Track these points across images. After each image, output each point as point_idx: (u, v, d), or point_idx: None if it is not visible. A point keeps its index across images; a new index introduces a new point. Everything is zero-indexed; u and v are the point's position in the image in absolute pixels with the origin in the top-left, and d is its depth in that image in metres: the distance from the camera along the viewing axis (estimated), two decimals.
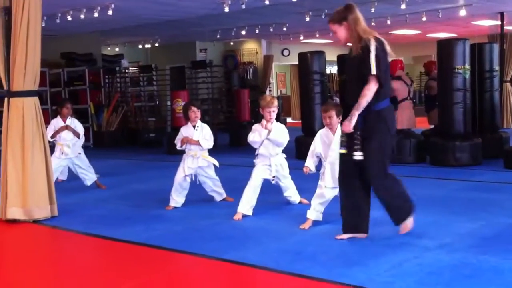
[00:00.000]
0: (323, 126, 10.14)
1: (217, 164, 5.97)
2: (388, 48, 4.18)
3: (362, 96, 4.10)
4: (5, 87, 5.60)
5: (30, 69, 5.50)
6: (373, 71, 4.05)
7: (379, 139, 4.23)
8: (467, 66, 8.29)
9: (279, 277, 3.70)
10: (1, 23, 5.55)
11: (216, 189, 6.07)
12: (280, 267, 3.81)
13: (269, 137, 5.36)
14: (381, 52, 4.09)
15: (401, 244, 4.24)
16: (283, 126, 5.60)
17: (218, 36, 15.75)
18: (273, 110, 5.35)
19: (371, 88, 4.08)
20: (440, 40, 8.95)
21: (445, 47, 8.42)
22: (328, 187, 4.83)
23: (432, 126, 10.20)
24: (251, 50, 18.80)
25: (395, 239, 4.41)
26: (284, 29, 14.53)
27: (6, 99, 5.59)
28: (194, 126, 5.97)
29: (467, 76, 8.31)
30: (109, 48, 17.53)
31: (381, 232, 4.63)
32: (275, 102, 5.43)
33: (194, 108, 5.97)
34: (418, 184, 6.99)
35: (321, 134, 5.05)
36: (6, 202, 5.44)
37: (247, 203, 5.32)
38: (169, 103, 13.48)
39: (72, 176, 7.79)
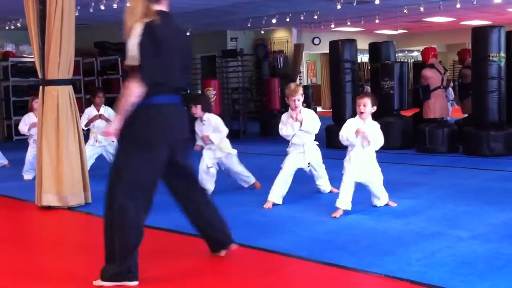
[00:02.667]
0: (354, 115, 10.10)
1: (234, 152, 6.00)
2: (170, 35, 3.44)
3: (121, 95, 3.36)
4: (40, 76, 5.71)
5: (64, 58, 5.59)
6: (129, 61, 3.34)
7: (124, 150, 3.40)
8: (502, 54, 8.12)
9: (309, 265, 3.71)
10: (35, 12, 5.64)
11: (241, 177, 6.10)
12: (311, 256, 3.81)
13: (302, 128, 5.33)
14: (147, 39, 3.31)
15: (434, 234, 4.20)
16: (312, 112, 5.59)
17: (248, 25, 15.71)
18: (298, 99, 5.30)
19: (129, 86, 3.28)
20: (474, 27, 8.77)
21: (480, 35, 8.25)
22: (349, 176, 4.77)
23: (466, 115, 10.02)
24: (282, 38, 18.71)
25: (427, 228, 4.37)
26: (315, 17, 14.41)
27: (41, 87, 5.70)
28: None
29: (502, 64, 8.14)
30: None
31: (413, 221, 4.60)
32: (300, 90, 5.39)
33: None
34: (451, 174, 6.91)
35: (351, 122, 5.00)
36: (41, 189, 5.55)
37: (277, 192, 5.32)
38: (200, 91, 13.54)
39: (108, 165, 7.86)
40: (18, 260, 4.10)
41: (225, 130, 5.91)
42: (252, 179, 6.13)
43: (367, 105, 4.83)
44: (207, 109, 5.97)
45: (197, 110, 5.90)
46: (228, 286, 3.42)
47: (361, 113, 4.88)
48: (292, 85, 5.51)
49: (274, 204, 5.30)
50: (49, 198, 5.53)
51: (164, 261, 3.89)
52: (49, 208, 5.55)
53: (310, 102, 19.50)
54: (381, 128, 9.29)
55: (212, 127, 5.88)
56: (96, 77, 14.62)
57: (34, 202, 5.70)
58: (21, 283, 3.59)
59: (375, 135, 4.88)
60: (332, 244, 4.08)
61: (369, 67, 15.28)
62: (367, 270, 3.48)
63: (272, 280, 3.49)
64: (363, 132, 4.73)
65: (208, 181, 5.87)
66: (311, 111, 5.57)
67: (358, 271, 3.50)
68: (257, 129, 13.00)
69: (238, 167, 6.06)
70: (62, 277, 3.67)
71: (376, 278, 3.38)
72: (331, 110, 10.26)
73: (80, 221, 5.35)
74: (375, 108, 4.87)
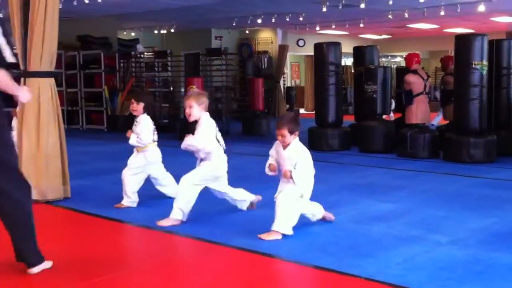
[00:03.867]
0: (337, 117, 10.08)
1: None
2: None
3: None
4: (22, 67, 5.62)
5: (47, 50, 5.51)
6: None
7: None
8: (485, 62, 8.20)
9: (289, 265, 3.72)
10: (19, 3, 5.55)
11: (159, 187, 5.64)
12: (291, 256, 3.81)
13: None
14: None
15: (413, 238, 4.22)
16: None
17: (234, 24, 15.71)
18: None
19: None
20: (458, 35, 8.86)
21: (463, 42, 8.33)
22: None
23: (447, 122, 10.12)
24: (267, 39, 18.73)
25: (407, 232, 4.39)
26: (301, 18, 14.45)
27: (22, 79, 5.60)
28: None
29: (484, 72, 8.22)
30: (125, 33, 17.54)
31: (393, 225, 4.62)
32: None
33: None
34: (431, 179, 6.96)
35: (272, 150, 4.55)
36: None
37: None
38: (183, 89, 13.48)
39: (92, 159, 7.82)
40: None
41: (144, 136, 5.26)
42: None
43: (285, 136, 4.26)
44: (147, 109, 5.43)
45: (138, 107, 5.37)
46: (207, 283, 3.40)
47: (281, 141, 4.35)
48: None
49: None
50: None
51: (137, 255, 3.84)
52: None
53: (293, 103, 19.57)
54: (364, 131, 9.47)
55: (140, 130, 5.31)
56: (78, 71, 14.47)
57: None
58: None
59: (301, 176, 4.25)
60: (312, 245, 4.08)
61: (352, 71, 15.36)
62: (347, 272, 3.48)
63: (252, 279, 3.47)
64: (287, 174, 4.24)
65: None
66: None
67: (337, 273, 3.49)
68: (239, 129, 12.98)
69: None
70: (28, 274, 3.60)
71: (355, 280, 3.38)
72: (314, 112, 10.27)
73: (55, 215, 5.27)
74: (297, 133, 4.31)
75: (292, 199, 4.24)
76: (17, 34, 5.59)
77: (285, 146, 4.34)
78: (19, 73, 5.63)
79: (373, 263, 3.64)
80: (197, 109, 4.70)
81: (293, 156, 4.30)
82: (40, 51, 5.48)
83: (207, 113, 4.79)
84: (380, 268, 3.54)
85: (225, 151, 4.85)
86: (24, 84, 5.54)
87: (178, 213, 4.62)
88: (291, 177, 4.22)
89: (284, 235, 4.19)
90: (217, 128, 4.81)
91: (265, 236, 4.17)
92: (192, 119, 4.72)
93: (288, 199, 4.22)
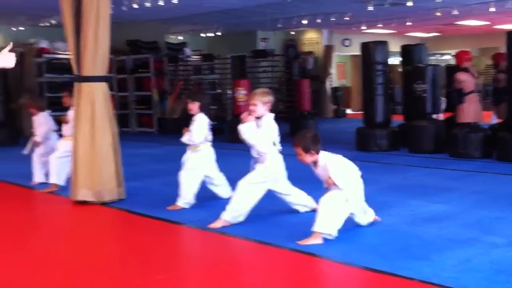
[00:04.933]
0: (385, 118, 9.96)
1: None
2: None
3: None
4: (76, 72, 5.80)
5: (99, 55, 5.68)
6: None
7: None
8: None
9: (337, 266, 3.71)
10: (71, 10, 5.72)
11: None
12: (339, 257, 3.80)
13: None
14: None
15: (467, 240, 4.14)
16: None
17: (279, 25, 15.73)
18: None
19: None
20: (509, 31, 8.61)
21: None
22: None
23: (500, 120, 9.86)
24: (312, 39, 18.68)
25: (461, 234, 4.31)
26: (346, 18, 14.35)
27: (76, 84, 5.79)
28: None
29: None
30: (172, 37, 17.82)
31: (446, 226, 4.55)
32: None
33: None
34: (484, 179, 6.81)
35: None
36: (76, 184, 5.65)
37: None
38: (230, 91, 13.59)
39: (143, 161, 7.96)
40: (50, 253, 4.19)
41: (196, 134, 5.35)
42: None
43: (301, 155, 4.29)
44: (203, 108, 5.49)
45: (193, 106, 5.46)
46: (258, 283, 3.44)
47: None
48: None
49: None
50: (84, 193, 5.62)
51: (193, 257, 3.91)
52: (84, 203, 5.63)
53: (339, 104, 19.43)
54: (414, 131, 9.30)
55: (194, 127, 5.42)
56: (129, 75, 14.79)
57: (70, 197, 5.79)
58: (56, 274, 3.67)
59: (343, 180, 4.26)
60: (363, 247, 4.06)
61: (400, 70, 15.13)
62: (400, 274, 3.45)
63: (302, 281, 3.49)
64: (329, 181, 4.24)
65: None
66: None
67: (390, 275, 3.46)
68: (286, 130, 12.99)
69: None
70: (90, 272, 3.72)
71: (409, 282, 3.35)
72: (360, 112, 10.18)
73: (112, 217, 5.42)
74: (313, 153, 4.28)
75: (335, 200, 4.18)
76: (71, 42, 5.77)
77: (315, 165, 4.32)
78: (74, 78, 5.84)
79: (427, 266, 3.59)
80: (261, 108, 4.68)
81: (324, 174, 4.28)
82: (93, 57, 5.65)
83: (272, 115, 4.76)
84: (435, 271, 3.49)
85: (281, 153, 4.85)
86: (79, 89, 5.72)
87: (228, 216, 4.67)
88: (335, 184, 4.19)
89: (326, 239, 4.12)
90: (278, 132, 4.78)
91: (303, 242, 4.10)
92: (255, 115, 4.68)
93: (331, 200, 4.17)
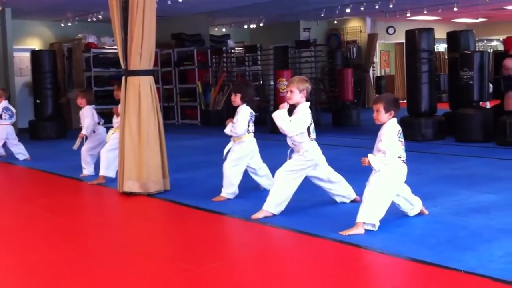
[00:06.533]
0: (431, 107, 9.81)
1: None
2: None
3: None
4: (123, 66, 5.94)
5: (146, 49, 5.78)
6: None
7: None
8: None
9: (384, 258, 3.69)
10: (118, 5, 5.85)
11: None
12: (385, 249, 3.78)
13: None
14: None
15: None
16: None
17: (322, 15, 15.61)
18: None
19: None
20: None
21: None
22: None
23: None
24: (355, 28, 18.46)
25: (509, 224, 4.23)
26: (390, 6, 14.10)
27: (123, 77, 5.92)
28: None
29: None
30: (216, 29, 17.92)
31: (494, 217, 4.47)
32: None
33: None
34: None
35: None
36: (123, 176, 5.79)
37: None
38: (272, 82, 13.60)
39: (187, 153, 8.05)
40: (102, 244, 4.32)
41: (238, 125, 5.41)
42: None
43: (380, 112, 4.25)
44: (246, 99, 5.51)
45: (236, 98, 5.50)
46: (305, 274, 3.47)
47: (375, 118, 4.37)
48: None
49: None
50: (130, 185, 5.76)
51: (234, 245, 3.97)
52: (130, 194, 5.77)
53: (383, 93, 19.17)
54: (460, 120, 9.09)
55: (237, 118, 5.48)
56: (173, 68, 15.00)
57: (117, 189, 5.95)
58: (108, 262, 3.79)
59: (379, 160, 4.20)
60: (408, 238, 4.03)
61: (446, 57, 14.81)
62: (446, 265, 3.41)
63: (346, 271, 3.50)
64: (365, 161, 4.17)
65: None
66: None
67: (436, 266, 3.43)
68: (329, 120, 12.94)
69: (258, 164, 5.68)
70: (143, 262, 3.83)
71: (455, 273, 3.31)
72: (405, 101, 10.04)
73: (158, 207, 5.54)
74: (392, 113, 4.26)
75: (380, 190, 4.16)
76: (118, 36, 5.90)
77: (377, 128, 4.30)
78: (121, 71, 5.98)
79: (474, 257, 3.54)
80: (297, 95, 4.72)
81: (380, 135, 4.26)
82: (139, 51, 5.76)
83: (307, 103, 4.78)
84: (482, 262, 3.44)
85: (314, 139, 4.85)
86: (126, 82, 5.85)
87: (270, 206, 4.71)
88: (369, 163, 4.16)
89: (368, 230, 4.11)
90: (312, 120, 4.82)
91: (346, 232, 4.10)
92: (291, 102, 4.74)
93: (376, 190, 4.15)
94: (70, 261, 3.86)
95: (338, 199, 5.09)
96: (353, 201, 5.05)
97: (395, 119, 4.30)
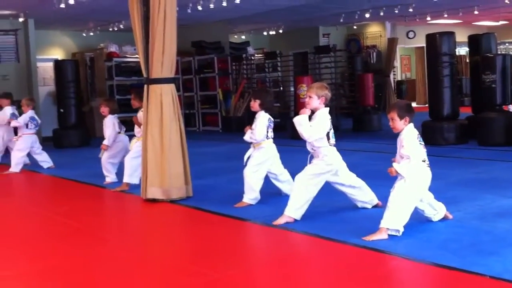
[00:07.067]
0: (453, 111, 9.74)
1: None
2: None
3: None
4: (145, 75, 6.01)
5: (167, 58, 5.85)
6: None
7: None
8: None
9: (408, 263, 3.67)
10: (140, 14, 5.93)
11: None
12: (409, 254, 3.76)
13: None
14: None
15: None
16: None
17: (341, 20, 15.61)
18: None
19: None
20: None
21: None
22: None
23: None
24: (375, 33, 18.41)
25: None
26: (410, 10, 14.06)
27: (145, 86, 5.99)
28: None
29: None
30: (235, 36, 18.02)
31: None
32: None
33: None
34: None
35: None
36: (146, 183, 5.85)
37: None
38: (292, 88, 13.62)
39: (209, 159, 8.08)
40: (125, 249, 4.37)
41: (257, 132, 5.45)
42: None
43: (395, 120, 4.26)
44: (265, 105, 5.55)
45: (255, 104, 5.56)
46: (327, 280, 3.47)
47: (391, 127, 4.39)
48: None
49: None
50: (153, 191, 5.81)
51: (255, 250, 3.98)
52: (153, 200, 5.83)
53: (404, 97, 19.05)
54: (483, 123, 9.01)
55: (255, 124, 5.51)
56: (194, 76, 15.11)
57: (140, 195, 6.01)
58: (132, 268, 3.84)
59: (405, 167, 4.20)
60: (432, 243, 4.01)
61: (467, 60, 14.68)
62: (471, 270, 3.39)
63: (369, 276, 3.49)
64: (392, 171, 4.19)
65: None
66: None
67: (460, 271, 3.40)
68: (349, 125, 12.90)
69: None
70: (164, 267, 3.86)
71: (480, 278, 3.28)
72: (426, 105, 9.98)
73: (181, 214, 5.58)
74: (407, 120, 4.24)
75: (405, 196, 4.14)
76: (140, 45, 5.98)
77: (396, 134, 4.30)
78: (143, 80, 6.05)
79: (499, 261, 3.51)
80: (316, 101, 4.75)
81: (400, 141, 4.26)
82: (161, 58, 5.83)
83: (327, 108, 4.80)
84: (507, 267, 3.41)
85: (337, 148, 4.86)
86: (148, 90, 5.92)
87: (291, 211, 4.72)
88: (397, 173, 4.15)
89: (391, 236, 4.09)
90: (331, 126, 4.84)
91: (369, 238, 4.09)
92: (309, 107, 4.77)
93: (400, 195, 4.13)
94: (93, 267, 3.91)
95: (360, 205, 5.08)
96: (375, 206, 5.03)
97: (411, 124, 4.29)
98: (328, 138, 4.77)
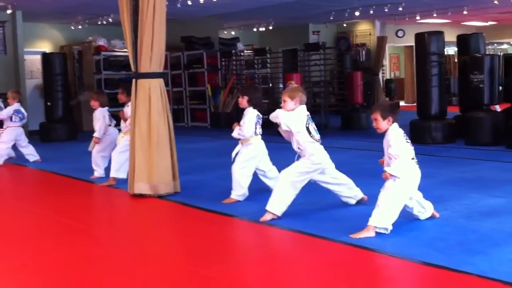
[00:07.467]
0: (440, 110, 9.77)
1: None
2: None
3: None
4: (133, 69, 5.97)
5: (156, 52, 5.81)
6: None
7: None
8: None
9: (395, 261, 3.68)
10: (129, 8, 5.88)
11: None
12: (397, 252, 3.77)
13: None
14: None
15: None
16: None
17: (331, 18, 15.61)
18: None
19: None
20: None
21: None
22: None
23: None
24: (364, 31, 18.44)
25: None
26: (400, 8, 14.10)
27: (134, 80, 5.95)
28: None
29: None
30: (225, 32, 17.97)
31: (505, 220, 4.45)
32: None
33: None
34: None
35: None
36: (134, 178, 5.82)
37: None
38: (281, 85, 13.61)
39: (197, 155, 8.05)
40: (115, 246, 4.34)
41: (245, 128, 5.43)
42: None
43: (378, 120, 4.26)
44: (253, 102, 5.54)
45: (243, 101, 5.56)
46: (314, 277, 3.47)
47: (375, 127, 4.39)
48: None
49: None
50: (141, 187, 5.78)
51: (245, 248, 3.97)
52: (141, 196, 5.80)
53: (393, 96, 19.13)
54: (471, 123, 9.05)
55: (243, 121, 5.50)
56: (183, 71, 15.05)
57: (127, 190, 5.97)
58: (118, 264, 3.81)
59: (397, 168, 4.19)
60: (419, 241, 4.02)
61: (456, 60, 14.75)
62: (457, 269, 3.40)
63: (356, 274, 3.49)
64: (386, 176, 4.18)
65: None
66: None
67: (447, 269, 3.42)
68: (338, 123, 12.93)
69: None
70: (153, 264, 3.84)
71: (467, 277, 3.30)
72: (414, 104, 10.03)
73: (168, 209, 5.56)
74: (391, 120, 4.25)
75: (394, 195, 4.15)
76: (128, 39, 5.94)
77: (383, 134, 4.32)
78: (132, 74, 6.01)
79: (485, 260, 3.53)
80: (290, 103, 4.80)
81: (386, 142, 4.27)
82: (149, 54, 5.79)
83: (303, 106, 4.84)
84: (493, 266, 3.43)
85: (320, 143, 4.86)
86: (136, 85, 5.89)
87: (274, 207, 4.72)
88: (392, 176, 4.16)
89: (379, 234, 4.10)
90: (311, 121, 4.84)
91: (356, 235, 4.10)
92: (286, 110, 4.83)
93: (390, 194, 4.15)
94: (79, 263, 3.88)
95: (349, 201, 5.10)
96: (359, 201, 5.07)
97: (396, 124, 4.29)
98: (310, 133, 4.78)
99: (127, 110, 6.48)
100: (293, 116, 4.78)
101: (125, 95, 6.62)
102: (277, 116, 4.84)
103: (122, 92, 6.75)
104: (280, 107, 4.93)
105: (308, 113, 4.86)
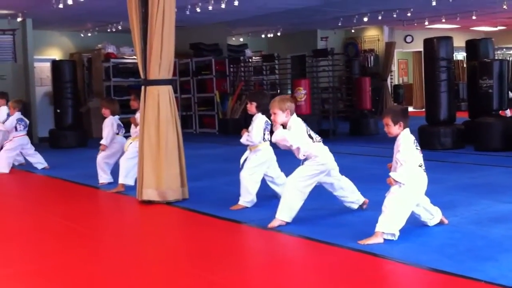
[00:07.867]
0: (449, 115, 9.75)
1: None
2: None
3: None
4: (142, 76, 6.00)
5: (165, 59, 5.84)
6: None
7: None
8: None
9: (403, 267, 3.66)
10: (138, 15, 5.92)
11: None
12: (405, 258, 3.75)
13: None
14: None
15: None
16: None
17: (339, 24, 15.63)
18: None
19: None
20: None
21: None
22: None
23: None
24: (373, 37, 18.44)
25: None
26: (408, 14, 14.09)
27: (143, 87, 5.98)
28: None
29: None
30: (233, 38, 18.03)
31: None
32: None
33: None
34: None
35: None
36: (142, 184, 5.83)
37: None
38: (290, 91, 13.62)
39: (205, 161, 8.05)
40: (123, 251, 4.36)
41: (253, 134, 5.45)
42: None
43: (389, 126, 4.27)
44: (262, 108, 5.50)
45: (251, 107, 5.56)
46: (323, 284, 3.46)
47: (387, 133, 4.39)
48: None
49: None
50: (149, 193, 5.80)
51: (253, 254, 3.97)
52: (149, 202, 5.81)
53: (401, 101, 19.10)
54: (480, 128, 9.02)
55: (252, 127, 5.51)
56: (191, 78, 15.10)
57: (136, 197, 5.99)
58: (126, 270, 3.82)
59: (402, 175, 4.19)
60: (428, 247, 4.00)
61: (464, 65, 14.70)
62: (467, 276, 3.38)
63: (365, 280, 3.48)
64: (391, 182, 4.19)
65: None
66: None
67: (456, 276, 3.40)
68: (346, 129, 12.91)
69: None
70: (161, 269, 3.85)
71: (476, 284, 3.28)
72: (423, 109, 10.00)
73: (177, 216, 5.57)
74: (402, 125, 4.24)
75: (401, 200, 4.14)
76: (138, 46, 5.97)
77: (393, 139, 4.31)
78: (141, 81, 6.04)
79: (495, 267, 3.51)
80: (281, 115, 4.79)
81: (396, 147, 4.26)
82: (158, 60, 5.82)
83: (294, 116, 4.84)
84: (502, 272, 3.41)
85: (333, 152, 4.86)
86: (145, 92, 5.91)
87: (283, 215, 4.71)
88: (396, 182, 4.15)
89: (387, 240, 4.08)
90: (307, 127, 4.84)
91: (365, 242, 4.09)
92: (278, 123, 4.80)
93: (396, 200, 4.13)
94: (86, 267, 3.89)
95: (348, 205, 5.11)
96: (361, 206, 5.07)
97: (407, 129, 4.29)
98: (311, 137, 4.78)
99: (139, 116, 6.50)
100: (298, 133, 4.74)
101: (137, 102, 6.64)
102: (284, 139, 4.74)
103: (135, 98, 6.78)
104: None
105: (300, 119, 4.85)
